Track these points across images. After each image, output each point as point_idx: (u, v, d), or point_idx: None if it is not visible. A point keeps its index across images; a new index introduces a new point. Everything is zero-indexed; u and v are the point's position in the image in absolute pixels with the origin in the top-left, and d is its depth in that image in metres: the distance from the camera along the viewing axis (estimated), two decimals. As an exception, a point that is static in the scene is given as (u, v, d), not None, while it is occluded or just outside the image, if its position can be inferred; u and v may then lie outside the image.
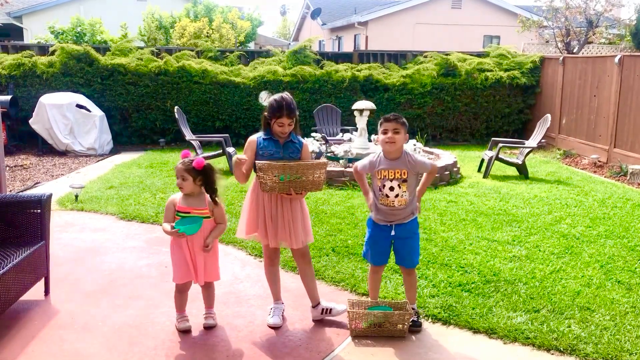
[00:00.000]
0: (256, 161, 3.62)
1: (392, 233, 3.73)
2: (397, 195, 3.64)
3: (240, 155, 3.65)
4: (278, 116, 3.59)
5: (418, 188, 3.81)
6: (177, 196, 3.63)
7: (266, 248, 3.86)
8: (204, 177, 3.56)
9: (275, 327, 3.79)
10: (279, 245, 3.80)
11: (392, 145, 3.64)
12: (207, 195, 3.63)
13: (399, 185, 3.64)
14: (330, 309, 3.91)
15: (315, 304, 3.92)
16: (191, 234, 3.52)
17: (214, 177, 3.60)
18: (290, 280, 4.53)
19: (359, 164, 3.84)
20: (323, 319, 3.90)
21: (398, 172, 3.64)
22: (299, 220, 3.73)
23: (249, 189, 3.82)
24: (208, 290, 3.84)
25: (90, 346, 3.52)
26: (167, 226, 3.56)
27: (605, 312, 4.01)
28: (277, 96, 3.66)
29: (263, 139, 3.70)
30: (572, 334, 3.68)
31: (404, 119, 3.71)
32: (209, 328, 3.77)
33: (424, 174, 3.84)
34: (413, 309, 3.84)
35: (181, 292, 3.76)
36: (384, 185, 3.65)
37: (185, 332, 3.70)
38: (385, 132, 3.65)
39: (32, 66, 11.32)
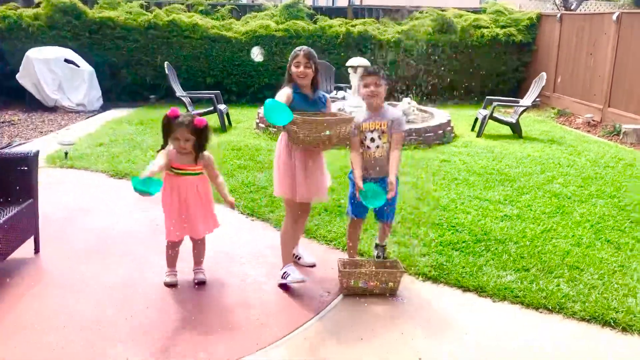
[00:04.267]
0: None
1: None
2: (377, 147, 3.81)
3: None
4: (295, 56, 3.73)
5: (391, 162, 3.79)
6: (171, 149, 3.58)
7: (294, 205, 3.81)
8: (202, 136, 3.56)
9: (301, 282, 3.75)
10: (311, 201, 3.90)
11: (374, 99, 3.80)
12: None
13: (379, 136, 3.81)
14: (300, 257, 4.21)
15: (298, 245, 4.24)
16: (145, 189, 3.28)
17: (209, 137, 3.63)
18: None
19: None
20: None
21: (378, 124, 3.81)
22: (325, 174, 3.93)
23: (277, 146, 3.81)
24: (200, 246, 3.85)
25: (82, 304, 3.52)
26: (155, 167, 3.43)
27: (594, 271, 4.05)
28: None
29: (295, 92, 3.75)
30: (561, 292, 3.72)
31: (384, 71, 3.87)
32: (200, 283, 3.80)
33: (393, 144, 3.82)
34: (382, 245, 4.18)
35: (174, 248, 3.79)
36: (365, 137, 3.82)
37: (171, 286, 3.74)
38: (367, 86, 3.79)
39: (18, 19, 11.01)
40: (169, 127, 3.53)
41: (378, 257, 4.15)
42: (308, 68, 3.70)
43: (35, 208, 4.12)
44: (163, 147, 3.62)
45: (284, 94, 3.71)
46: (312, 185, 3.75)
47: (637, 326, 3.36)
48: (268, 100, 3.34)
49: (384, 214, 3.94)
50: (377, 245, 4.24)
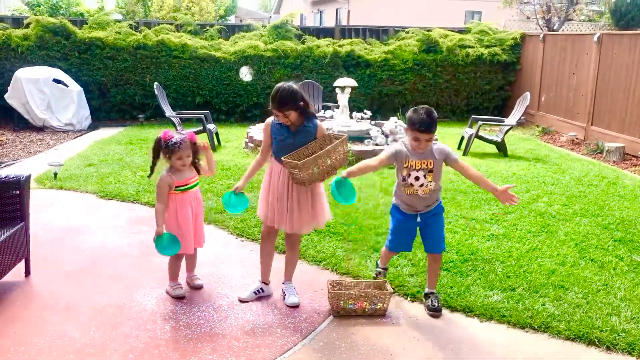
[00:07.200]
0: (283, 158, 3.59)
1: (418, 220, 3.78)
2: (421, 185, 3.65)
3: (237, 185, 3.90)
4: (271, 106, 3.64)
5: (484, 180, 3.65)
6: (167, 175, 3.73)
7: (264, 225, 3.94)
8: (197, 150, 3.83)
9: (245, 301, 3.93)
10: (274, 226, 3.80)
11: (422, 150, 3.64)
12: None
13: (424, 175, 3.64)
14: (285, 296, 3.97)
15: (286, 281, 4.04)
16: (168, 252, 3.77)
17: (200, 149, 3.88)
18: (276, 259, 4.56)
19: (385, 156, 3.75)
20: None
21: (425, 163, 3.63)
22: (306, 207, 3.74)
23: (265, 170, 3.89)
24: (194, 255, 4.08)
25: (73, 327, 3.53)
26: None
27: (578, 290, 4.13)
28: (278, 85, 3.65)
29: (276, 123, 3.75)
30: (546, 312, 3.79)
31: (435, 121, 3.57)
32: (198, 288, 4.06)
33: (465, 170, 3.68)
34: (432, 293, 3.90)
35: (179, 259, 3.99)
36: (409, 175, 3.65)
37: (181, 298, 3.93)
38: (416, 140, 3.58)
39: (7, 39, 11.04)
40: (165, 149, 3.67)
41: (431, 307, 3.81)
42: (286, 117, 3.62)
43: (27, 231, 4.14)
44: (152, 171, 3.78)
45: (265, 123, 3.84)
46: (277, 212, 3.73)
47: (621, 345, 3.43)
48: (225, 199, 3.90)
49: (433, 246, 3.83)
50: (427, 294, 3.93)
